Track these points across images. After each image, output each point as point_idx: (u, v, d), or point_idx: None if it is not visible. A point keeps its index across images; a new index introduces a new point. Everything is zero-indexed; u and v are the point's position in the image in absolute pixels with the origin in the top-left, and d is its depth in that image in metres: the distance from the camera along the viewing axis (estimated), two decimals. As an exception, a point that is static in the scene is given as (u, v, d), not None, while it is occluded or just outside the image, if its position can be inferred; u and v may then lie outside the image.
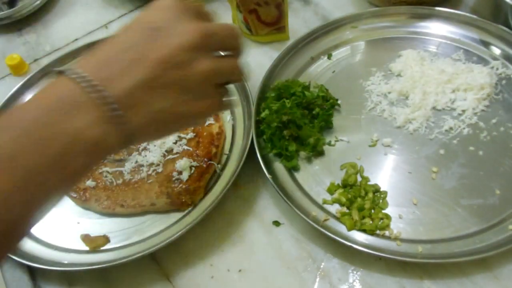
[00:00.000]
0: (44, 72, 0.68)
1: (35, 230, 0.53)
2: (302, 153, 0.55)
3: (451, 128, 0.55)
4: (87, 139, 0.32)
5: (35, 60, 0.74)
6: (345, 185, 0.52)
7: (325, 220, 0.49)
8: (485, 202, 0.49)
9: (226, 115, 0.60)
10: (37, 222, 0.33)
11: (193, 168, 0.54)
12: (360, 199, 0.50)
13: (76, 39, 0.75)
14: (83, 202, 0.55)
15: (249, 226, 0.52)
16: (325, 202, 0.51)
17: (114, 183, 0.55)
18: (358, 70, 0.62)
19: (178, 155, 0.56)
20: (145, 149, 0.57)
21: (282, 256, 0.49)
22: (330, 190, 0.52)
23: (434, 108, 0.56)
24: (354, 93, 0.59)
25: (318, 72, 0.62)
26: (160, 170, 0.55)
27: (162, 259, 0.51)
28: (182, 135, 0.57)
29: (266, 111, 0.55)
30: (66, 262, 0.51)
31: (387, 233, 0.48)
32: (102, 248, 0.52)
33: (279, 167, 0.54)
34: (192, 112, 0.37)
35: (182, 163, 0.54)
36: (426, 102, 0.56)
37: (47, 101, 0.32)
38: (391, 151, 0.54)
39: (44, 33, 0.78)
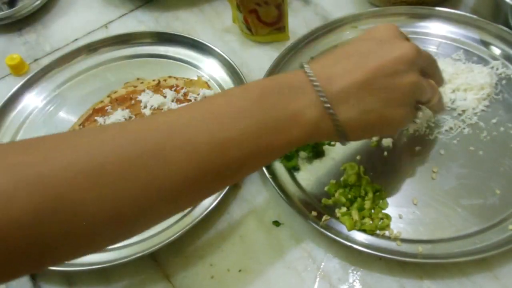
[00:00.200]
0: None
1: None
2: (302, 153, 0.55)
3: (451, 128, 0.55)
4: (305, 116, 0.39)
5: (35, 60, 0.74)
6: (345, 185, 0.52)
7: (325, 220, 0.49)
8: (485, 202, 0.49)
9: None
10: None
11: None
12: (360, 199, 0.50)
13: (76, 39, 0.75)
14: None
15: (249, 226, 0.52)
16: (325, 202, 0.51)
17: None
18: (358, 70, 0.62)
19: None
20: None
21: (282, 256, 0.49)
22: (330, 190, 0.52)
23: (434, 108, 0.56)
24: (354, 93, 0.59)
25: (318, 72, 0.62)
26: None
27: (162, 259, 0.51)
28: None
29: (266, 111, 0.55)
30: (66, 262, 0.51)
31: (387, 233, 0.48)
32: (102, 248, 0.52)
33: (279, 167, 0.54)
34: (393, 116, 0.42)
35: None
36: (426, 102, 0.56)
37: (284, 79, 0.41)
38: (391, 151, 0.54)
39: (44, 33, 0.78)
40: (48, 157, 0.31)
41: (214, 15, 0.74)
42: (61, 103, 0.67)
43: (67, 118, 0.65)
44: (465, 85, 0.57)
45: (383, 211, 0.49)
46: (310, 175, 0.54)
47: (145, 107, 0.62)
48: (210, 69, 0.66)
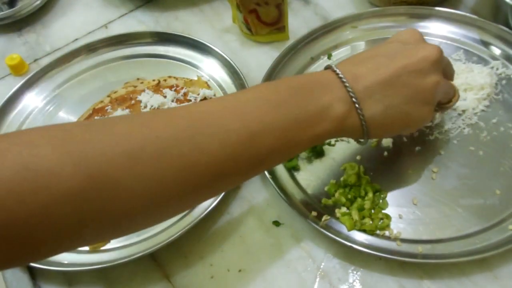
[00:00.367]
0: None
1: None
2: (302, 153, 0.55)
3: (451, 128, 0.55)
4: (334, 111, 0.40)
5: (35, 60, 0.74)
6: (345, 185, 0.52)
7: (325, 220, 0.49)
8: (485, 202, 0.49)
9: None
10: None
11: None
12: (360, 199, 0.50)
13: (76, 39, 0.75)
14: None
15: (249, 226, 0.52)
16: (325, 202, 0.51)
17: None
18: (358, 70, 0.62)
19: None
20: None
21: (282, 256, 0.49)
22: (330, 190, 0.52)
23: (434, 108, 0.56)
24: (354, 93, 0.59)
25: (318, 72, 0.62)
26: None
27: (162, 259, 0.51)
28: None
29: (266, 111, 0.55)
30: (66, 262, 0.51)
31: (387, 233, 0.48)
32: (102, 248, 0.52)
33: (279, 167, 0.54)
34: (416, 113, 0.43)
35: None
36: (426, 102, 0.56)
37: (312, 77, 0.43)
38: (391, 151, 0.54)
39: (44, 33, 0.78)
40: (91, 138, 0.32)
41: (214, 15, 0.74)
42: (61, 103, 0.67)
43: (67, 118, 0.65)
44: (465, 85, 0.57)
45: (383, 211, 0.49)
46: (310, 175, 0.54)
47: (145, 107, 0.62)
48: (210, 69, 0.66)
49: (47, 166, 0.30)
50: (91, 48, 0.71)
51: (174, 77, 0.65)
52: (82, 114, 0.64)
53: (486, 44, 0.61)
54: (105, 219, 0.33)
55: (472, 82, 0.56)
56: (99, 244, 0.52)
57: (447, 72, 0.47)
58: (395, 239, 0.48)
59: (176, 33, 0.70)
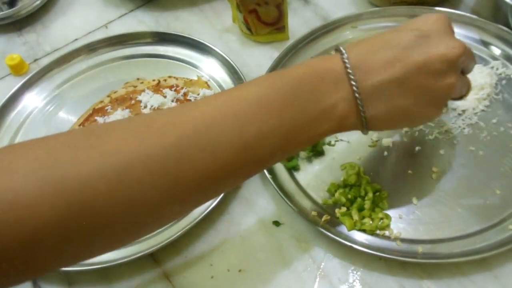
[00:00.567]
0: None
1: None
2: (302, 153, 0.55)
3: (451, 128, 0.55)
4: (337, 111, 0.38)
5: (35, 60, 0.74)
6: (345, 185, 0.52)
7: (325, 220, 0.49)
8: (485, 202, 0.49)
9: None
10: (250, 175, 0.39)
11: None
12: (360, 199, 0.50)
13: (76, 39, 0.75)
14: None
15: (249, 226, 0.52)
16: (325, 202, 0.51)
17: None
18: (358, 70, 0.62)
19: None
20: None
21: (282, 256, 0.49)
22: (330, 190, 0.52)
23: (434, 108, 0.56)
24: (354, 93, 0.59)
25: (318, 72, 0.62)
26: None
27: (162, 259, 0.51)
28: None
29: (266, 111, 0.55)
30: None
31: (387, 233, 0.48)
32: (102, 248, 0.52)
33: (279, 167, 0.54)
34: (422, 115, 0.41)
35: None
36: (426, 102, 0.56)
37: (320, 67, 0.38)
38: (391, 151, 0.54)
39: (44, 33, 0.77)
40: (75, 158, 0.31)
41: (214, 15, 0.74)
42: (61, 103, 0.67)
43: (67, 118, 0.65)
44: (465, 85, 0.57)
45: (383, 211, 0.49)
46: (310, 175, 0.54)
47: (145, 107, 0.62)
48: (210, 69, 0.66)
49: (24, 197, 0.29)
50: (91, 48, 0.71)
51: (174, 77, 0.65)
52: (82, 114, 0.64)
53: (486, 44, 0.61)
54: (83, 244, 0.32)
55: (472, 82, 0.56)
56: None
57: (466, 66, 0.43)
58: (395, 239, 0.48)
59: (176, 33, 0.70)
